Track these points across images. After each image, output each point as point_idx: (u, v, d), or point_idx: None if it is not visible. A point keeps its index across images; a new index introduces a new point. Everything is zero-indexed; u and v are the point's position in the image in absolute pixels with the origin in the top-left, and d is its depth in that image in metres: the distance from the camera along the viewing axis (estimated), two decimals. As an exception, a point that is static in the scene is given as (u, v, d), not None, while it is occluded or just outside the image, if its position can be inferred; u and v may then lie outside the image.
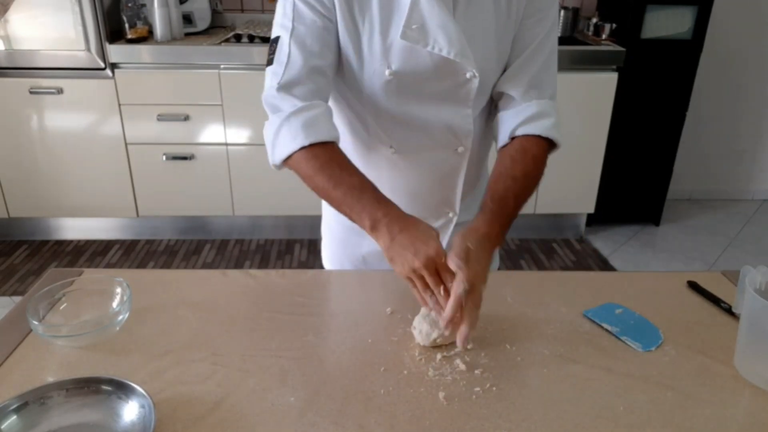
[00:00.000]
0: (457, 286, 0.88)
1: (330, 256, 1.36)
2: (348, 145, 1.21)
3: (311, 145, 1.00)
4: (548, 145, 1.12)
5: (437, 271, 0.91)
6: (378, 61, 1.04)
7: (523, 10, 1.08)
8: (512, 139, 1.12)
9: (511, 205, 1.03)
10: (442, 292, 0.91)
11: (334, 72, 1.08)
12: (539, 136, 1.10)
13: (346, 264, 1.31)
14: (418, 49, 1.02)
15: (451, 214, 1.25)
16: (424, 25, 1.00)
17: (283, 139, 1.01)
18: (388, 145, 1.15)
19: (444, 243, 1.26)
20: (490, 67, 1.09)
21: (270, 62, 1.04)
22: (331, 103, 1.15)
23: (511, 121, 1.11)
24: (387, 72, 1.04)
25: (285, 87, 1.02)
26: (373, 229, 0.96)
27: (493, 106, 1.19)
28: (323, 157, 1.00)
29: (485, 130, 1.21)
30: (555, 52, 1.13)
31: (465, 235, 0.94)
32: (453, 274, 0.89)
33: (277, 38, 1.04)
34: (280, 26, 1.04)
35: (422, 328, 0.96)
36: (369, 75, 1.06)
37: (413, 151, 1.16)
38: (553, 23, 1.11)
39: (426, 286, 0.92)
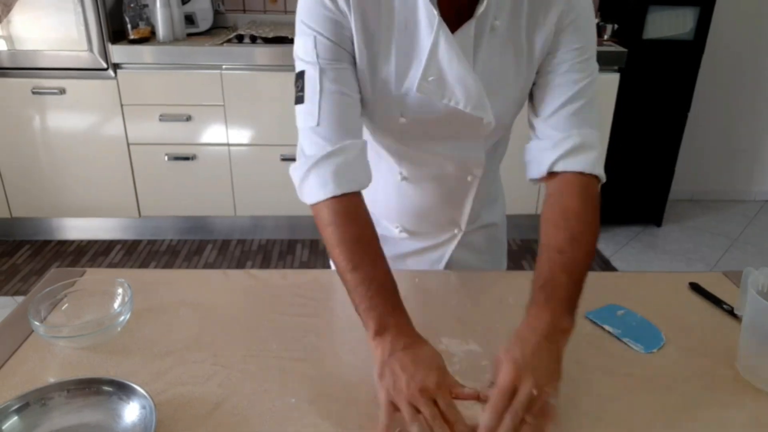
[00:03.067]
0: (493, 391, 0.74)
1: None
2: None
3: (338, 198, 0.92)
4: (593, 182, 0.99)
5: (435, 403, 0.76)
6: (392, 107, 1.01)
7: (548, 51, 0.99)
8: (549, 174, 1.00)
9: (563, 283, 0.87)
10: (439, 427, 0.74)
11: (361, 105, 1.01)
12: (579, 174, 0.97)
13: None
14: (434, 100, 0.97)
15: (456, 231, 1.24)
16: (442, 78, 0.95)
17: (312, 184, 0.94)
18: (398, 172, 1.14)
19: (447, 254, 1.26)
20: (508, 110, 1.04)
21: (300, 100, 0.97)
22: None
23: (547, 154, 0.99)
24: (401, 120, 1.01)
25: (323, 127, 0.94)
26: (376, 335, 0.84)
27: (508, 132, 1.15)
28: (351, 231, 0.91)
29: (496, 154, 1.18)
30: (594, 83, 1.01)
31: (513, 343, 0.80)
32: (456, 411, 0.75)
33: (302, 73, 0.96)
34: (303, 62, 0.96)
35: None
36: (380, 117, 1.04)
37: (422, 179, 1.14)
38: (592, 48, 1.01)
39: (414, 416, 0.75)
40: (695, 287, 1.14)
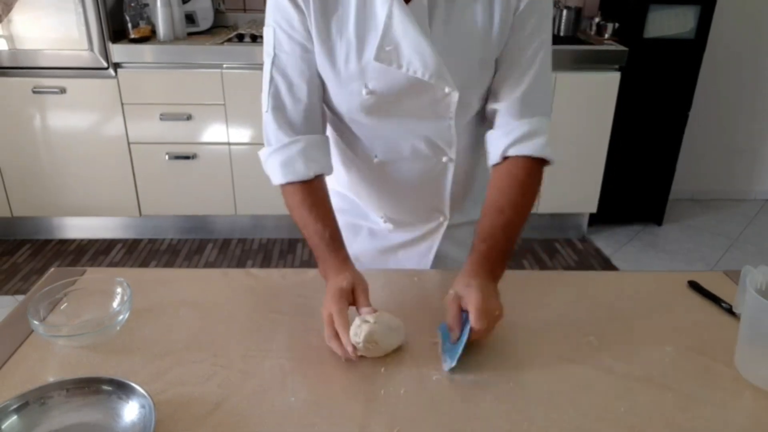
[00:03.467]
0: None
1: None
2: (335, 151, 1.22)
3: (289, 183, 1.07)
4: (540, 164, 1.09)
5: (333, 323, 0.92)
6: (354, 80, 1.04)
7: (511, 21, 1.03)
8: (504, 158, 1.08)
9: (500, 240, 1.02)
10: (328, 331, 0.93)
11: (320, 95, 1.09)
12: (530, 156, 1.07)
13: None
14: (393, 69, 1.00)
15: (441, 219, 1.25)
16: (398, 47, 0.99)
17: (269, 172, 1.10)
18: (372, 154, 1.16)
19: (434, 246, 1.28)
20: (473, 80, 1.07)
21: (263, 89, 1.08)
22: None
23: (501, 141, 1.08)
24: (364, 91, 1.04)
25: (273, 116, 1.06)
26: (322, 275, 1.04)
27: (483, 118, 1.17)
28: (297, 198, 1.07)
29: (474, 138, 1.18)
30: (547, 68, 1.08)
31: (466, 280, 0.97)
32: (343, 324, 0.91)
33: (263, 63, 1.07)
34: (265, 53, 1.06)
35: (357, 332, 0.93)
36: (346, 94, 1.07)
37: (396, 160, 1.16)
38: (544, 40, 1.07)
39: (328, 324, 0.94)
40: (694, 286, 1.14)
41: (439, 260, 1.29)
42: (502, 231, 1.03)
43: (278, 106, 1.06)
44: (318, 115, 1.10)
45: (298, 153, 1.07)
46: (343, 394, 0.87)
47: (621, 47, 3.00)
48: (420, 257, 1.29)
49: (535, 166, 1.08)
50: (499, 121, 1.10)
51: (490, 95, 1.11)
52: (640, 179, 3.41)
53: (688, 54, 3.16)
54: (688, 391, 0.88)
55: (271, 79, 1.05)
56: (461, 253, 1.26)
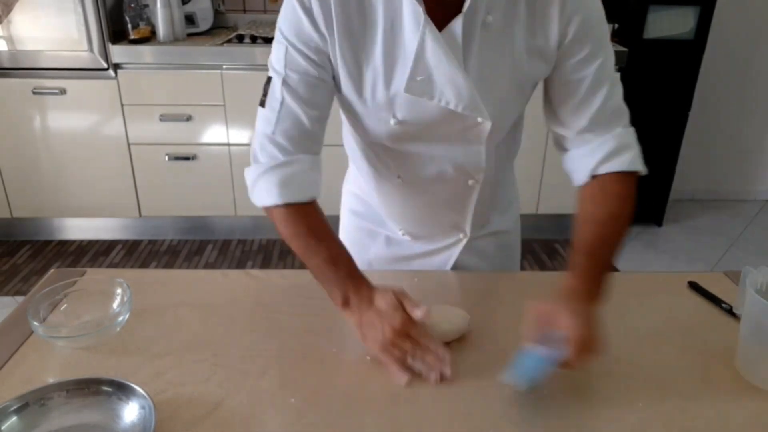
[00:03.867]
0: None
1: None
2: (357, 170, 1.20)
3: (286, 205, 0.98)
4: (632, 176, 1.05)
5: (410, 337, 0.89)
6: (382, 110, 0.99)
7: (557, 44, 0.97)
8: (593, 177, 1.04)
9: (601, 252, 0.97)
10: (428, 356, 0.90)
11: (325, 121, 1.03)
12: (621, 172, 1.03)
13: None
14: (424, 101, 0.95)
15: (461, 236, 1.23)
16: (431, 77, 0.93)
17: (260, 191, 1.00)
18: (396, 175, 1.12)
19: (452, 258, 1.24)
20: (506, 108, 1.02)
21: (262, 104, 1.00)
22: (343, 128, 1.15)
23: (587, 161, 1.03)
24: (392, 121, 0.99)
25: (277, 136, 0.98)
26: (344, 305, 0.95)
27: (516, 135, 1.14)
28: (299, 225, 0.99)
29: (503, 159, 1.15)
30: (616, 79, 1.03)
31: (566, 300, 0.90)
32: (428, 335, 0.90)
33: (269, 79, 0.99)
34: (273, 69, 0.99)
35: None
36: (373, 122, 1.01)
37: (421, 182, 1.12)
38: (607, 51, 1.00)
39: (403, 356, 0.89)
40: (694, 286, 1.14)
41: (456, 270, 1.26)
42: (603, 244, 0.98)
43: (286, 130, 0.98)
44: (320, 140, 1.03)
45: (297, 172, 0.99)
46: (343, 394, 0.87)
47: (621, 48, 3.00)
48: (437, 267, 1.26)
49: (628, 179, 1.04)
50: (578, 141, 1.05)
51: (553, 119, 1.06)
52: (641, 179, 3.39)
53: (687, 54, 3.16)
54: (688, 392, 0.88)
55: (282, 100, 0.97)
56: (480, 263, 1.27)
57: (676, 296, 1.13)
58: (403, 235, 1.24)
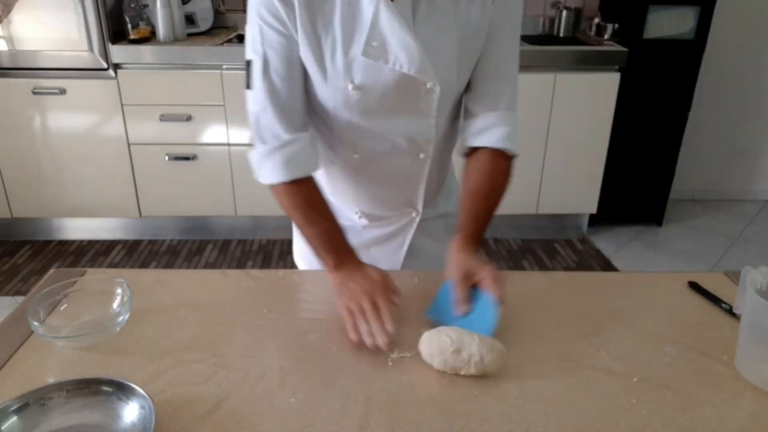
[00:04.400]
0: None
1: (301, 253, 1.39)
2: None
3: (291, 181, 1.08)
4: (504, 156, 1.15)
5: (375, 302, 0.98)
6: (341, 76, 1.05)
7: (488, 20, 1.08)
8: (471, 150, 1.17)
9: (481, 223, 1.13)
10: (375, 323, 0.96)
11: (308, 86, 1.10)
12: (492, 149, 1.14)
13: (314, 262, 1.28)
14: (380, 65, 1.03)
15: (414, 214, 1.29)
16: (385, 43, 1.01)
17: (265, 171, 1.09)
18: (353, 151, 1.18)
19: (407, 240, 1.32)
20: (452, 75, 1.09)
21: (248, 86, 1.07)
22: None
23: (466, 132, 1.17)
24: (350, 87, 1.05)
25: (268, 113, 1.06)
26: (335, 269, 1.08)
27: (458, 113, 1.22)
28: (300, 196, 1.10)
29: (447, 133, 1.22)
30: (511, 63, 1.14)
31: (456, 261, 1.06)
32: (388, 312, 0.97)
33: (249, 61, 1.06)
34: (251, 50, 1.05)
35: (431, 352, 0.92)
36: (332, 89, 1.07)
37: (376, 157, 1.18)
38: (510, 35, 1.12)
39: (362, 313, 0.98)
40: (694, 286, 1.14)
41: (412, 254, 1.33)
42: (485, 216, 1.14)
43: (275, 104, 1.06)
44: (306, 111, 1.12)
45: (299, 150, 1.08)
46: (343, 394, 0.87)
47: (621, 48, 3.00)
48: (393, 252, 1.33)
49: (499, 157, 1.15)
50: (467, 114, 1.18)
51: (465, 89, 1.17)
52: (640, 180, 3.41)
53: (687, 54, 3.16)
54: (688, 392, 0.88)
55: (266, 76, 1.04)
56: (434, 245, 1.33)
57: (676, 296, 1.13)
58: (360, 218, 1.30)
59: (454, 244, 1.09)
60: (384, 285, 1.03)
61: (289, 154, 1.07)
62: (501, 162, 1.15)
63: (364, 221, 1.30)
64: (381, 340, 0.94)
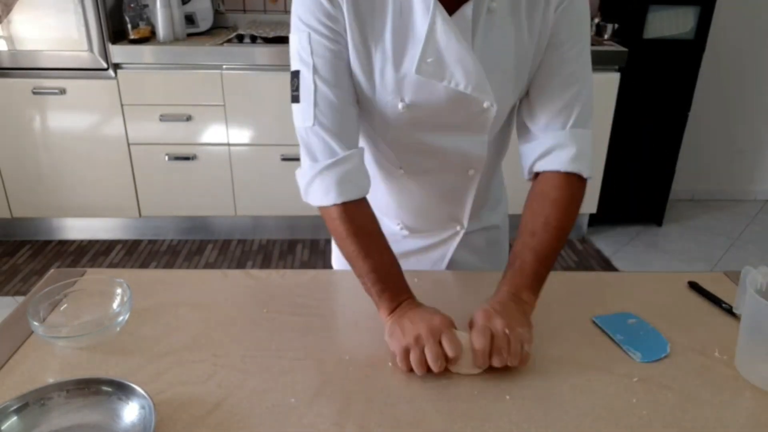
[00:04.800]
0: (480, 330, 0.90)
1: (339, 254, 1.34)
2: None
3: (344, 203, 0.98)
4: (576, 178, 1.03)
5: (439, 342, 0.89)
6: (390, 92, 0.99)
7: (548, 36, 0.99)
8: (536, 174, 1.06)
9: (528, 263, 0.98)
10: (439, 367, 0.88)
11: (357, 105, 1.04)
12: (559, 172, 1.03)
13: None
14: (434, 82, 0.96)
15: (458, 228, 1.23)
16: (441, 59, 0.94)
17: (316, 191, 1.00)
18: (398, 166, 1.12)
19: (449, 253, 1.26)
20: (508, 94, 1.03)
21: (295, 99, 0.99)
22: None
23: (528, 156, 1.06)
24: (400, 105, 0.99)
25: (319, 128, 0.98)
26: (391, 312, 0.96)
27: (510, 127, 1.15)
28: (356, 223, 0.99)
29: (498, 150, 1.16)
30: (587, 83, 1.04)
31: (481, 305, 0.94)
32: (458, 347, 0.89)
33: (297, 72, 0.98)
34: (298, 60, 0.98)
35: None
36: (381, 105, 1.01)
37: (423, 172, 1.13)
38: (584, 53, 1.02)
39: (422, 358, 0.88)
40: (694, 286, 1.14)
41: (452, 267, 1.27)
42: (533, 254, 0.99)
43: (328, 118, 0.97)
44: (357, 127, 1.04)
45: (353, 168, 0.99)
46: (343, 394, 0.87)
47: (621, 48, 3.00)
48: (433, 264, 1.27)
49: (570, 181, 1.03)
50: (529, 135, 1.07)
51: (524, 108, 1.07)
52: (640, 180, 3.41)
53: (687, 54, 3.16)
54: (688, 392, 0.88)
55: (316, 88, 0.96)
56: (475, 258, 1.28)
57: (676, 296, 1.13)
58: (401, 229, 1.24)
59: (496, 290, 0.98)
60: (447, 323, 0.92)
61: (342, 172, 0.98)
62: (568, 187, 1.03)
63: (405, 232, 1.25)
64: (436, 367, 0.88)
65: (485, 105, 0.99)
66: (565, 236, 1.02)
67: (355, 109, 1.02)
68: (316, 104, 0.97)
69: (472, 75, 0.95)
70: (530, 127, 1.06)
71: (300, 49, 0.97)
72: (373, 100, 1.01)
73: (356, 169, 1.00)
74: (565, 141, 1.03)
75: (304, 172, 1.01)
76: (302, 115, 0.99)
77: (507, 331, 0.88)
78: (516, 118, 1.11)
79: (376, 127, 1.08)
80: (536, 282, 0.98)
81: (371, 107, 1.03)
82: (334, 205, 0.98)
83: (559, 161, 1.02)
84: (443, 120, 1.03)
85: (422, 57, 0.93)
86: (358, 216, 1.00)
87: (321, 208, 1.01)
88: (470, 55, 0.94)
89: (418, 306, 0.96)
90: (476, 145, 1.08)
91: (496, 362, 0.88)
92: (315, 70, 0.96)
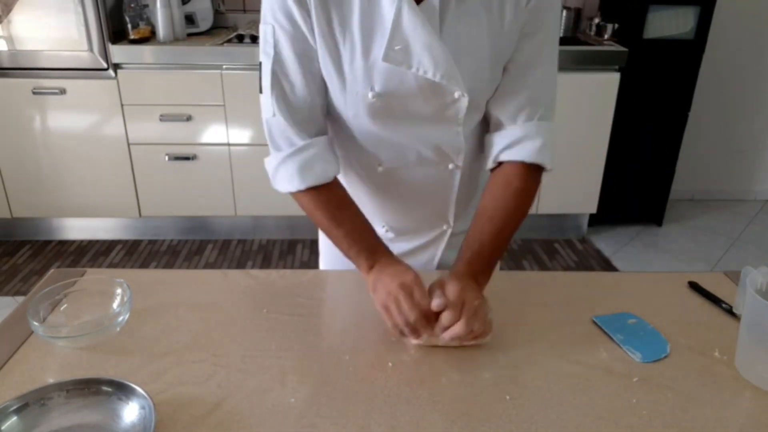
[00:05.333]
0: (436, 301, 0.92)
1: (326, 252, 1.34)
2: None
3: (308, 189, 1.03)
4: (535, 169, 1.07)
5: (412, 296, 0.92)
6: (360, 83, 0.99)
7: (522, 22, 1.00)
8: (499, 164, 1.09)
9: (486, 248, 1.03)
10: (415, 316, 0.91)
11: (325, 95, 1.05)
12: (523, 162, 1.06)
13: (338, 263, 1.26)
14: (402, 70, 0.96)
15: (445, 227, 1.23)
16: (408, 46, 0.94)
17: (281, 179, 1.05)
18: (377, 163, 1.12)
19: (438, 254, 1.26)
20: (483, 84, 1.03)
21: (261, 90, 1.02)
22: None
23: (495, 146, 1.08)
24: (370, 94, 1.00)
25: (279, 118, 1.01)
26: (369, 270, 1.02)
27: (487, 122, 1.15)
28: (322, 197, 1.04)
29: (478, 141, 1.15)
30: (550, 73, 1.06)
31: (447, 280, 0.96)
32: (426, 300, 0.92)
33: (260, 63, 1.02)
34: (263, 53, 1.01)
35: None
36: (352, 97, 1.02)
37: (402, 168, 1.12)
38: (548, 40, 1.04)
39: (399, 310, 0.91)
40: (694, 286, 1.14)
41: (441, 270, 1.26)
42: (490, 240, 1.03)
43: (286, 109, 1.01)
44: (323, 115, 1.07)
45: (315, 156, 1.03)
46: (343, 394, 0.87)
47: (621, 48, 3.00)
48: (423, 266, 1.26)
49: (530, 172, 1.07)
50: (496, 125, 1.09)
51: (492, 98, 1.08)
52: (640, 180, 3.41)
53: (687, 54, 3.16)
54: (688, 392, 0.88)
55: (275, 80, 1.00)
56: None
57: (676, 296, 1.13)
58: (387, 231, 1.23)
59: (454, 268, 1.02)
60: (417, 280, 0.96)
61: (303, 160, 1.02)
62: (531, 178, 1.07)
63: (391, 235, 1.24)
64: (411, 316, 0.91)
65: (456, 95, 1.00)
66: (519, 223, 1.07)
67: (319, 99, 1.04)
68: (276, 95, 1.00)
69: (441, 63, 0.95)
70: (498, 117, 1.08)
71: (265, 42, 1.00)
72: (344, 91, 1.02)
73: (318, 156, 1.03)
74: (532, 133, 1.05)
75: (270, 161, 1.06)
76: (264, 106, 1.02)
77: (477, 302, 0.92)
78: (487, 111, 1.11)
79: (350, 122, 1.08)
80: (491, 267, 1.04)
81: (343, 100, 1.04)
82: (299, 191, 1.04)
83: (526, 152, 1.05)
84: (414, 110, 1.03)
85: (389, 44, 0.94)
86: (323, 195, 1.05)
87: (291, 193, 1.06)
88: (438, 42, 0.94)
89: (393, 264, 1.01)
90: (451, 136, 1.08)
91: (468, 328, 0.90)
92: (277, 62, 0.99)
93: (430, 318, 0.92)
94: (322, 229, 1.07)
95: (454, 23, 0.97)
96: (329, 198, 1.05)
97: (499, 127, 1.09)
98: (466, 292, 0.92)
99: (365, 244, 1.04)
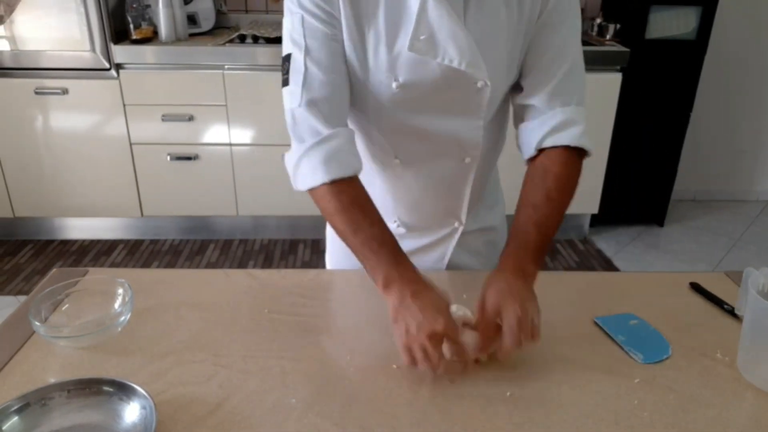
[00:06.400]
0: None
1: (332, 252, 1.34)
2: None
3: (333, 182, 0.97)
4: (577, 154, 1.06)
5: (440, 345, 0.87)
6: (384, 72, 0.99)
7: (537, 14, 1.01)
8: (540, 151, 1.06)
9: (532, 236, 0.98)
10: (442, 370, 0.88)
11: (350, 86, 1.03)
12: (566, 147, 1.04)
13: (344, 263, 1.27)
14: (427, 60, 0.97)
15: (456, 224, 1.22)
16: (433, 36, 0.95)
17: (304, 173, 0.99)
18: (393, 155, 1.12)
19: (448, 253, 1.25)
20: (501, 74, 1.04)
21: (286, 82, 1.00)
22: None
23: (535, 133, 1.06)
24: (394, 84, 0.99)
25: (306, 108, 0.98)
26: (385, 287, 0.93)
27: (506, 116, 1.15)
28: (345, 198, 0.97)
29: (494, 139, 1.15)
30: (579, 57, 1.06)
31: (488, 282, 0.93)
32: (462, 346, 0.88)
33: (288, 56, 0.99)
34: (291, 42, 0.99)
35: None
36: (375, 86, 1.01)
37: (419, 161, 1.12)
38: (574, 26, 1.04)
39: (425, 357, 0.85)
40: (696, 287, 1.14)
41: (451, 269, 1.26)
42: (536, 228, 0.99)
43: (315, 97, 0.98)
44: (347, 108, 1.04)
45: (340, 146, 0.99)
46: (343, 394, 0.87)
47: (622, 48, 3.00)
48: (432, 264, 1.26)
49: (572, 157, 1.05)
50: (532, 113, 1.07)
51: (521, 88, 1.08)
52: (642, 180, 3.41)
53: (689, 55, 3.15)
54: (689, 392, 0.88)
55: (306, 70, 0.97)
56: (474, 261, 1.26)
57: (677, 297, 1.13)
58: (398, 226, 1.23)
59: (500, 262, 0.97)
60: (448, 323, 0.87)
61: (329, 150, 0.97)
62: (573, 163, 1.05)
63: (402, 230, 1.22)
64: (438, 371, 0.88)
65: (479, 84, 1.00)
66: (564, 210, 1.03)
67: (346, 92, 1.02)
68: (304, 85, 0.97)
69: (466, 51, 0.96)
70: (535, 104, 1.06)
71: (292, 31, 0.98)
72: (367, 82, 1.02)
73: (344, 147, 0.99)
74: (574, 117, 1.05)
75: (291, 155, 1.02)
76: (290, 96, 0.99)
77: (519, 312, 0.87)
78: (515, 100, 1.11)
79: (369, 113, 1.07)
80: (539, 255, 0.99)
81: (365, 91, 1.03)
82: (323, 184, 0.97)
83: (571, 136, 1.04)
84: (437, 101, 1.03)
85: (415, 34, 0.95)
86: (346, 192, 0.98)
87: (310, 192, 1.00)
88: (463, 31, 0.95)
89: (418, 290, 0.91)
90: (471, 129, 1.07)
91: (509, 341, 0.86)
92: (307, 52, 0.97)
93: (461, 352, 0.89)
94: (338, 233, 0.99)
95: (476, 14, 0.97)
96: (352, 199, 0.98)
97: (536, 114, 1.07)
98: (506, 300, 0.88)
99: (383, 258, 0.94)
